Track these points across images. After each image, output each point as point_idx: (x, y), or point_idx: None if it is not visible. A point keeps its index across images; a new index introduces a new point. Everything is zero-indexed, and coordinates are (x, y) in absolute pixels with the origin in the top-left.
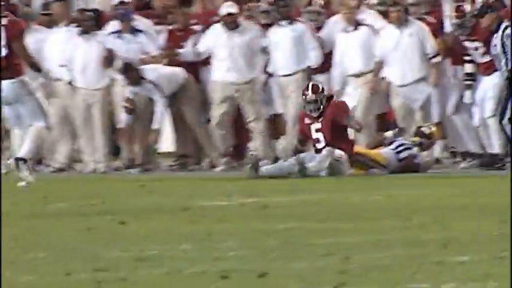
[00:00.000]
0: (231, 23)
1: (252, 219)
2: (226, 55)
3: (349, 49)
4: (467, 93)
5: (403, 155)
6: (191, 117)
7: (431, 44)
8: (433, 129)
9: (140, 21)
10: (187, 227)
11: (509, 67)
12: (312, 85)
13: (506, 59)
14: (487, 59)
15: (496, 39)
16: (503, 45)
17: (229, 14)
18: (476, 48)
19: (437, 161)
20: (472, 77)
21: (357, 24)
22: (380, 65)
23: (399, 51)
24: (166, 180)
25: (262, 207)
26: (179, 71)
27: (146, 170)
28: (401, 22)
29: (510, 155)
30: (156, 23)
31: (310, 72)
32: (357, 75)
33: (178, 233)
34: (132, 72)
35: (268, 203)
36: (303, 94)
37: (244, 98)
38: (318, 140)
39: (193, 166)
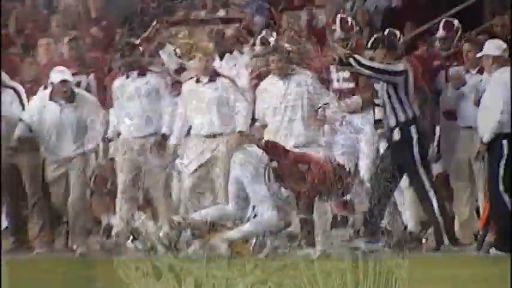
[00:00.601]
0: (65, 93)
1: None
2: (55, 132)
3: (202, 105)
4: (382, 144)
5: None
6: (27, 182)
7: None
8: None
9: None
10: None
11: (398, 117)
12: None
13: (393, 108)
14: None
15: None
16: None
17: (63, 81)
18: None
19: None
20: (382, 123)
21: (215, 75)
22: (261, 130)
23: (282, 108)
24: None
25: None
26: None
27: None
28: (284, 73)
29: None
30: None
31: (160, 140)
32: (211, 136)
33: None
34: None
35: None
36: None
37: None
38: None
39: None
